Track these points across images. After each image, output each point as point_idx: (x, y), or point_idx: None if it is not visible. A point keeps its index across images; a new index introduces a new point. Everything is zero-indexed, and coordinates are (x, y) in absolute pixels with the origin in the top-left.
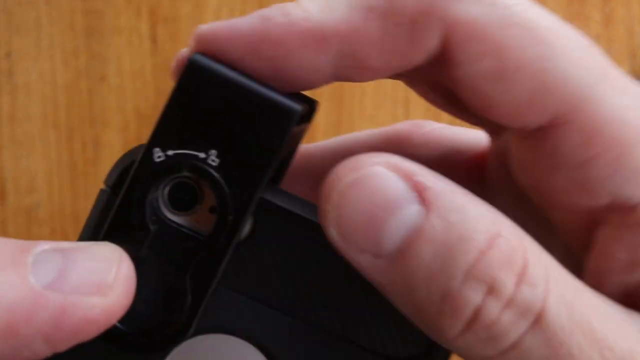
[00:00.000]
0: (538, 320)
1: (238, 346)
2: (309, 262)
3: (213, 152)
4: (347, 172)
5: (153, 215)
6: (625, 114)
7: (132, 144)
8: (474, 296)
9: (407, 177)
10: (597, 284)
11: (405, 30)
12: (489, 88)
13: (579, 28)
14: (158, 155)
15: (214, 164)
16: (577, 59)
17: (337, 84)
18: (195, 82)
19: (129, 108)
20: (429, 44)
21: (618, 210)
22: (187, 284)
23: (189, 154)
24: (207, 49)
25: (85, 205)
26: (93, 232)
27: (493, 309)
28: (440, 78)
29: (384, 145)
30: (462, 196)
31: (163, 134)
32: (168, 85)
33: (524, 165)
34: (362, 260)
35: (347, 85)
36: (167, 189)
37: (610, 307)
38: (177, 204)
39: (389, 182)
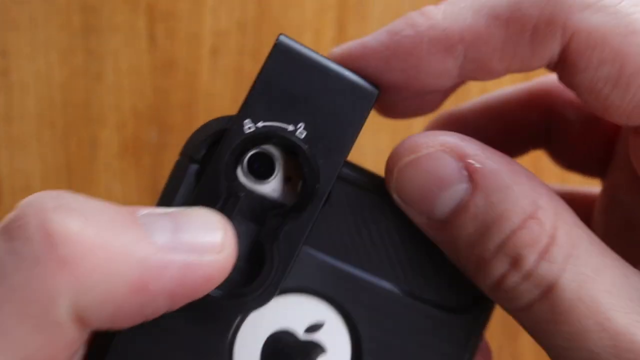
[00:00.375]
0: (549, 291)
1: (313, 305)
2: (376, 225)
3: (301, 125)
4: (406, 152)
5: (240, 184)
6: None
7: (130, 143)
8: (500, 266)
9: (461, 158)
10: None
11: (528, 37)
12: (608, 92)
13: None
14: (249, 126)
15: (301, 136)
16: None
17: None
18: (283, 60)
19: (126, 106)
20: (550, 51)
21: None
22: (275, 251)
23: (278, 126)
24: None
25: None
26: (175, 199)
27: (514, 278)
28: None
29: (528, 102)
30: (509, 177)
31: (253, 106)
32: (166, 83)
33: None
34: (419, 220)
35: None
36: (245, 160)
37: (625, 286)
38: (256, 173)
39: (443, 162)
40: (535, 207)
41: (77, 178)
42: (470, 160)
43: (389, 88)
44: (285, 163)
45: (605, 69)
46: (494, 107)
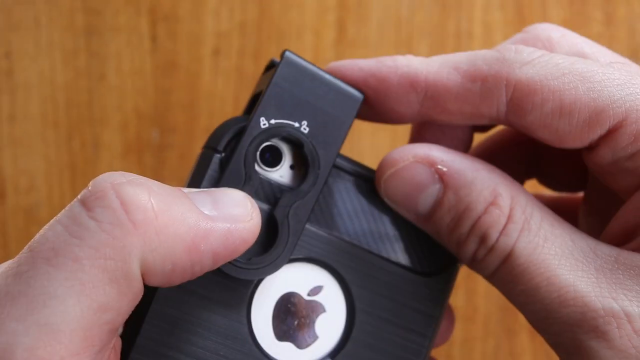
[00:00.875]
0: (507, 259)
1: (314, 272)
2: (364, 203)
3: (304, 122)
4: (387, 166)
5: (253, 170)
6: None
7: (132, 143)
8: (472, 245)
9: (431, 165)
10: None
11: (478, 87)
12: (556, 123)
13: (581, 27)
14: (264, 123)
15: (305, 131)
16: (617, 85)
17: None
18: (289, 72)
19: (129, 107)
20: (496, 99)
21: None
22: (286, 224)
23: (287, 123)
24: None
25: None
26: (202, 182)
27: (482, 252)
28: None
29: (514, 142)
30: (471, 174)
31: (266, 107)
32: (168, 83)
33: (600, 172)
34: (408, 216)
35: None
36: (258, 151)
37: (571, 248)
38: (267, 162)
39: (418, 170)
40: (495, 195)
41: (81, 178)
42: (438, 166)
43: (369, 103)
44: (291, 154)
45: (549, 105)
46: (487, 149)
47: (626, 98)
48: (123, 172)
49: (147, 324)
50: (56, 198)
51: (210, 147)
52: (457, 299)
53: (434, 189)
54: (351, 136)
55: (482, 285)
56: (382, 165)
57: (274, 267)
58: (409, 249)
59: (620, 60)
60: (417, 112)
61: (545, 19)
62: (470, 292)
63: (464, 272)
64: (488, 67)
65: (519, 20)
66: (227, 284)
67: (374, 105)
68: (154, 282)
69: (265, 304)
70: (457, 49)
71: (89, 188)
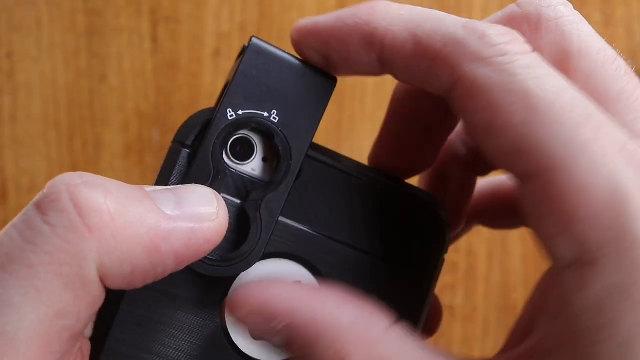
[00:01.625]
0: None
1: (290, 267)
2: (342, 197)
3: (274, 111)
4: (230, 310)
5: (225, 164)
6: (587, 190)
7: (133, 143)
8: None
9: (269, 319)
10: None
11: (426, 62)
12: (482, 137)
13: None
14: (230, 114)
15: (275, 120)
16: (558, 131)
17: (338, 85)
18: (257, 59)
19: (130, 108)
20: (439, 83)
21: (553, 266)
22: (258, 219)
23: (255, 113)
24: (298, 38)
25: None
26: (170, 179)
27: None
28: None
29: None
30: (315, 330)
31: (233, 98)
32: (168, 84)
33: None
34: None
35: (347, 85)
36: (229, 143)
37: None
38: (237, 155)
39: (258, 321)
40: (341, 357)
41: None
42: (273, 324)
43: (333, 62)
44: (262, 146)
45: (480, 117)
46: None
47: (563, 148)
48: (81, 172)
49: (117, 326)
50: None
51: (178, 142)
52: (457, 298)
53: (280, 339)
54: (351, 136)
55: (481, 285)
56: (227, 307)
57: (246, 263)
58: (388, 241)
59: (612, 71)
60: (379, 71)
61: None
62: (470, 292)
63: (463, 272)
64: (442, 47)
65: None
66: (199, 282)
67: (338, 63)
68: (114, 285)
69: None
70: None
71: (44, 191)
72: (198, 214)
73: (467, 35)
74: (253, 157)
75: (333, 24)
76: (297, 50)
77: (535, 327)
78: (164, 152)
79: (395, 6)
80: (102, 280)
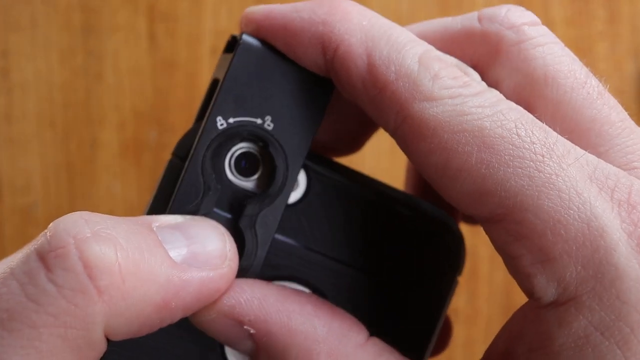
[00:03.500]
0: None
1: (292, 287)
2: (352, 216)
3: (268, 118)
4: (197, 313)
5: (219, 178)
6: (558, 227)
7: (130, 142)
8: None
9: (239, 323)
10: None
11: (375, 91)
12: (437, 178)
13: (584, 25)
14: (220, 123)
15: (269, 127)
16: (519, 167)
17: None
18: (247, 60)
19: (127, 107)
20: (385, 116)
21: (532, 302)
22: (254, 235)
23: (247, 120)
24: (248, 28)
25: (82, 205)
26: (166, 196)
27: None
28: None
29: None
30: (284, 337)
31: (223, 104)
32: (166, 83)
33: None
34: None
35: None
36: (233, 157)
37: None
38: (242, 171)
39: (226, 326)
40: None
41: (78, 178)
42: (245, 327)
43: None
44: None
45: (432, 160)
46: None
47: (527, 185)
48: (88, 217)
49: (110, 353)
50: (53, 198)
51: (176, 155)
52: (459, 301)
53: (248, 344)
54: None
55: (484, 287)
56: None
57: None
58: (398, 263)
59: (582, 96)
60: (324, 73)
61: (547, 17)
62: (472, 294)
63: (465, 274)
64: (394, 79)
65: None
66: None
67: (283, 51)
68: (120, 338)
69: None
70: None
71: (48, 238)
72: (209, 260)
73: (421, 73)
74: (258, 172)
75: (287, 14)
76: None
77: (513, 358)
78: (161, 152)
79: (358, 11)
80: (107, 336)
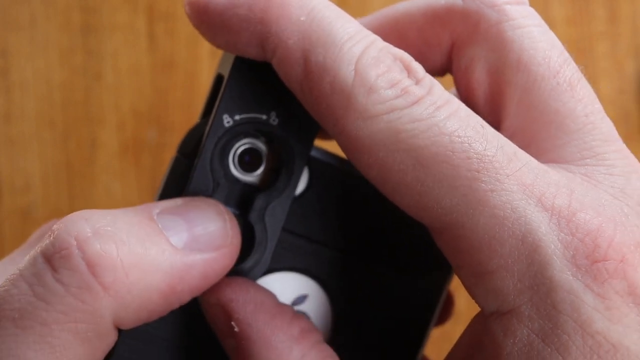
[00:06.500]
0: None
1: (298, 281)
2: (354, 207)
3: (273, 113)
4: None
5: (226, 174)
6: (493, 243)
7: (129, 142)
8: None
9: (228, 318)
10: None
11: (311, 99)
12: (380, 189)
13: (584, 25)
14: (227, 120)
15: (274, 123)
16: (453, 186)
17: None
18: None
19: (126, 106)
20: (325, 124)
21: (480, 312)
22: (262, 229)
23: (253, 117)
24: (189, 13)
25: (82, 205)
26: (172, 193)
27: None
28: None
29: (431, 25)
30: (263, 348)
31: (228, 102)
32: (165, 82)
33: None
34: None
35: None
36: (237, 153)
37: None
38: (245, 166)
39: (217, 316)
40: None
41: (77, 178)
42: (232, 323)
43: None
44: (270, 154)
45: (372, 173)
46: (400, 25)
47: (461, 203)
48: (88, 216)
49: (121, 343)
50: (52, 198)
51: (181, 153)
52: (458, 299)
53: (232, 343)
54: None
55: None
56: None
57: (255, 272)
58: (397, 251)
59: (551, 85)
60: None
61: (547, 17)
62: None
63: None
64: (330, 92)
65: None
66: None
67: (226, 48)
68: (129, 327)
69: None
70: None
71: (52, 240)
72: (211, 241)
73: (356, 87)
74: (262, 167)
75: (225, 10)
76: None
77: None
78: (161, 152)
79: (298, 3)
80: (117, 326)
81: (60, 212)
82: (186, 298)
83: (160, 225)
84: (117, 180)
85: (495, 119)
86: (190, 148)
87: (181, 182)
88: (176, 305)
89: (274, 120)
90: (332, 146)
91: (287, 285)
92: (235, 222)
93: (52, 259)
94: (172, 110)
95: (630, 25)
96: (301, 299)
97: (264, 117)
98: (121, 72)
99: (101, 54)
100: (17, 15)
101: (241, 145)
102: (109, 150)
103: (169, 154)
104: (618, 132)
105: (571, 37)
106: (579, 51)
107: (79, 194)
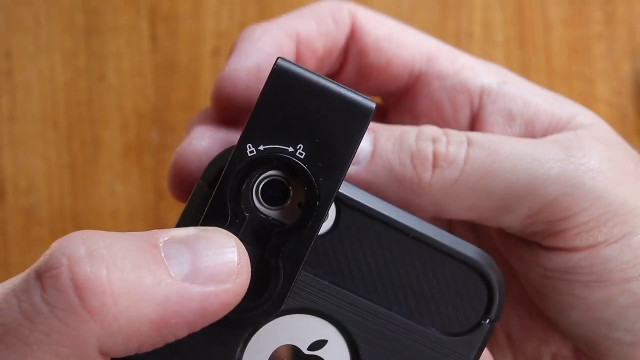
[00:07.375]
0: (469, 142)
1: (318, 325)
2: (382, 253)
3: (300, 145)
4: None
5: (247, 206)
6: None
7: (132, 143)
8: (427, 146)
9: None
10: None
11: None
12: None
13: (581, 27)
14: (250, 150)
15: (301, 156)
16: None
17: None
18: (281, 84)
19: (129, 107)
20: None
21: None
22: (280, 267)
23: (278, 147)
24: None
25: (85, 205)
26: (190, 221)
27: (441, 147)
28: None
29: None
30: None
31: (254, 131)
32: (168, 83)
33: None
34: None
35: None
36: (260, 185)
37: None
38: (269, 200)
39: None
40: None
41: (80, 178)
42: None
43: None
44: (300, 189)
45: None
46: None
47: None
48: (88, 235)
49: None
50: (56, 198)
51: (204, 180)
52: None
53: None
54: None
55: None
56: None
57: (268, 312)
58: (427, 304)
59: None
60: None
61: (544, 18)
62: None
63: None
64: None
65: (519, 20)
66: (215, 333)
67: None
68: (117, 356)
69: (258, 357)
70: (457, 48)
71: (46, 257)
72: (214, 274)
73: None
74: (287, 202)
75: (249, 67)
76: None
77: None
78: (163, 152)
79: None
80: (104, 354)
81: (63, 212)
82: (182, 332)
83: (163, 254)
84: (120, 180)
85: None
86: (213, 176)
87: (200, 209)
88: (171, 339)
89: (300, 153)
90: None
91: (305, 328)
92: (246, 258)
93: (43, 277)
94: (175, 111)
95: (627, 26)
96: (320, 344)
97: (290, 149)
98: (124, 73)
99: (104, 55)
100: (21, 17)
101: (265, 177)
102: (111, 150)
103: (171, 154)
104: None
105: (568, 39)
106: (576, 52)
107: (82, 193)
